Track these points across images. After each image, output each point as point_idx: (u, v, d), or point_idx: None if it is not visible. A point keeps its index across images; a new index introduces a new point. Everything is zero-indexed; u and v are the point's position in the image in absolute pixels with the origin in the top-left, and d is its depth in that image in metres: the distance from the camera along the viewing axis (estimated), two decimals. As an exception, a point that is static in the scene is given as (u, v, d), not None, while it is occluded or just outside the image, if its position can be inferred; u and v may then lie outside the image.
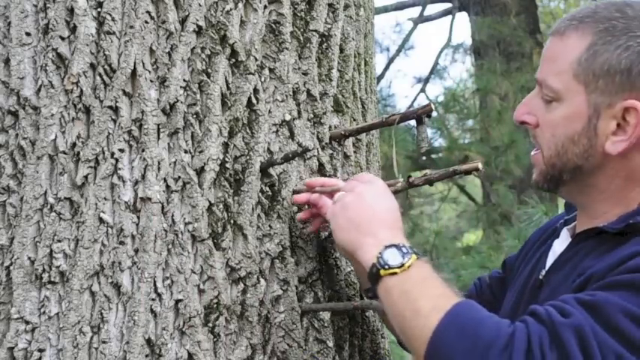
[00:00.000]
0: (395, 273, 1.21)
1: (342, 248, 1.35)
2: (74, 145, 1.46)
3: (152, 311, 1.40)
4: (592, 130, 1.26)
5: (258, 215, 1.51)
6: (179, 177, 1.46)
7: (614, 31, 1.24)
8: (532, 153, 1.37)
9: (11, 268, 1.45)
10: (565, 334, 1.08)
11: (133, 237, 1.43)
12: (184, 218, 1.45)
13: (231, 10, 1.53)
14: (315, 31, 1.65)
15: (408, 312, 1.18)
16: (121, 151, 1.45)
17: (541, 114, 1.32)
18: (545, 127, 1.31)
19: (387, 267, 1.22)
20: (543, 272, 1.38)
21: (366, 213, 1.31)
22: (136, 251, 1.42)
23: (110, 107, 1.46)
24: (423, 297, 1.18)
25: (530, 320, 1.12)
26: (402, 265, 1.21)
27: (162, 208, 1.44)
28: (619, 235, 1.24)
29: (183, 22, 1.50)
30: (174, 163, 1.47)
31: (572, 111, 1.27)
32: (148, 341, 1.39)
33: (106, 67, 1.47)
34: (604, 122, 1.26)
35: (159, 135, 1.47)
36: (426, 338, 1.13)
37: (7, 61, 1.53)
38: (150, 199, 1.43)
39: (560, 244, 1.40)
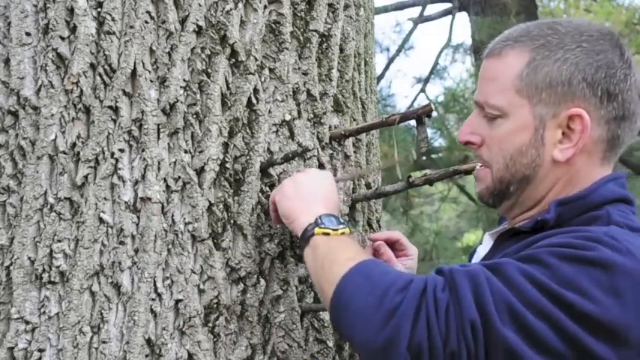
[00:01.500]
0: (327, 233, 1.33)
1: (283, 214, 1.43)
2: (74, 145, 1.46)
3: (152, 311, 1.40)
4: (539, 141, 1.31)
5: (258, 215, 1.51)
6: (179, 177, 1.46)
7: (550, 46, 1.31)
8: (477, 168, 1.41)
9: (11, 268, 1.45)
10: (459, 278, 1.16)
11: (133, 237, 1.43)
12: (184, 218, 1.45)
13: (231, 10, 1.53)
14: (315, 31, 1.65)
15: (327, 262, 1.29)
16: (121, 151, 1.45)
17: (485, 132, 1.35)
18: (492, 143, 1.35)
19: (322, 226, 1.34)
20: None
21: (314, 190, 1.43)
22: (136, 251, 1.42)
23: (110, 107, 1.46)
24: (344, 251, 1.30)
25: (432, 273, 1.21)
26: (337, 229, 1.34)
27: (162, 208, 1.44)
28: (532, 232, 1.31)
29: (183, 22, 1.50)
30: (174, 163, 1.47)
31: (519, 124, 1.32)
32: (148, 341, 1.39)
33: (106, 67, 1.47)
34: (550, 132, 1.31)
35: (159, 135, 1.47)
36: (335, 281, 1.23)
37: (7, 61, 1.53)
38: (150, 199, 1.43)
39: (484, 249, 1.46)
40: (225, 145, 1.50)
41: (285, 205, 1.42)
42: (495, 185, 1.36)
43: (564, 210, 1.30)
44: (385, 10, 8.53)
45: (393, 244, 1.67)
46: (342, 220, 1.37)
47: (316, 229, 1.33)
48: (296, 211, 1.39)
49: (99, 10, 1.49)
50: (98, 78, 1.47)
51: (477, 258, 1.46)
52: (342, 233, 1.34)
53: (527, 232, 1.31)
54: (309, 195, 1.41)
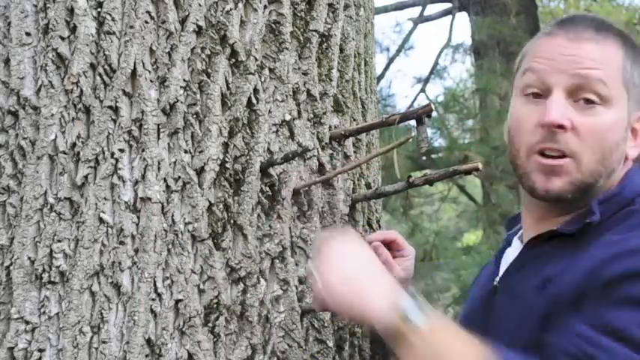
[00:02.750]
0: (418, 327, 1.17)
1: (342, 303, 1.23)
2: (74, 145, 1.46)
3: (152, 311, 1.40)
4: (626, 136, 1.33)
5: (258, 215, 1.51)
6: (179, 177, 1.46)
7: (634, 49, 1.34)
8: (552, 162, 1.29)
9: (11, 268, 1.45)
10: None
11: (133, 237, 1.43)
12: (184, 218, 1.45)
13: (231, 10, 1.53)
14: (315, 31, 1.65)
15: None
16: (121, 151, 1.45)
17: (576, 118, 1.28)
18: (588, 131, 1.27)
19: (409, 322, 1.17)
20: (497, 279, 1.41)
21: (362, 264, 1.26)
22: (136, 251, 1.42)
23: (110, 107, 1.46)
24: (452, 348, 1.18)
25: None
26: (423, 317, 1.18)
27: (162, 208, 1.44)
28: (575, 235, 1.28)
29: (183, 22, 1.50)
30: (174, 163, 1.46)
31: (620, 116, 1.31)
32: (148, 341, 1.39)
33: (106, 67, 1.47)
34: (629, 129, 1.33)
35: (159, 135, 1.47)
36: None
37: (7, 61, 1.53)
38: (150, 199, 1.43)
39: (513, 252, 1.43)
40: (225, 145, 1.50)
41: (340, 292, 1.22)
42: (585, 179, 1.28)
43: (604, 209, 1.28)
44: (385, 10, 8.53)
45: (389, 245, 1.61)
46: (417, 296, 1.20)
47: (403, 326, 1.16)
48: (360, 300, 1.20)
49: (99, 10, 1.49)
50: (98, 78, 1.47)
51: (506, 261, 1.42)
52: (430, 326, 1.17)
53: (568, 236, 1.28)
54: (362, 273, 1.23)
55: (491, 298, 1.40)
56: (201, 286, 1.44)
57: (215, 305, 1.44)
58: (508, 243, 1.50)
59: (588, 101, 1.28)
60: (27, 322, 1.42)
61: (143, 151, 1.45)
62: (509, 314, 1.32)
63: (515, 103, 1.39)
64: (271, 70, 1.58)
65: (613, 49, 1.31)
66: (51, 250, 1.43)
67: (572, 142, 1.28)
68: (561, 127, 1.28)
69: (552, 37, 1.34)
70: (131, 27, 1.47)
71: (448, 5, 8.94)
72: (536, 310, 1.25)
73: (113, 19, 1.48)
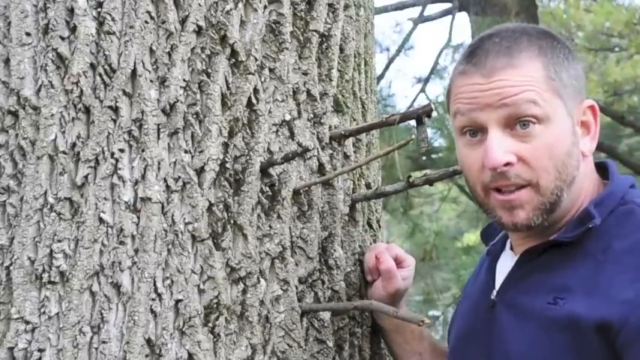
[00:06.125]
0: None
1: None
2: (74, 145, 1.46)
3: (152, 311, 1.40)
4: (576, 137, 1.29)
5: (258, 215, 1.51)
6: (179, 177, 1.46)
7: (553, 47, 1.29)
8: (510, 197, 1.27)
9: (11, 268, 1.45)
10: None
11: (133, 237, 1.43)
12: (184, 218, 1.45)
13: (231, 10, 1.53)
14: (315, 31, 1.65)
15: None
16: (121, 151, 1.45)
17: (518, 148, 1.25)
18: (536, 157, 1.25)
19: None
20: (494, 292, 1.38)
21: None
22: (136, 251, 1.42)
23: (110, 107, 1.46)
24: None
25: None
26: None
27: (163, 208, 1.44)
28: (573, 242, 1.27)
29: (183, 22, 1.50)
30: (174, 163, 1.47)
31: (562, 125, 1.27)
32: (148, 341, 1.39)
33: (106, 67, 1.47)
34: (577, 127, 1.30)
35: (159, 135, 1.47)
36: None
37: (7, 61, 1.53)
38: (150, 199, 1.43)
39: (507, 263, 1.40)
40: (225, 145, 1.50)
41: None
42: (548, 199, 1.26)
43: (600, 211, 1.26)
44: (385, 10, 8.54)
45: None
46: None
47: None
48: None
49: (99, 10, 1.49)
50: (98, 78, 1.47)
51: (502, 274, 1.39)
52: None
53: (567, 244, 1.27)
54: None
55: (491, 313, 1.36)
56: (201, 286, 1.44)
57: (215, 305, 1.44)
58: (495, 255, 1.46)
59: (524, 124, 1.24)
60: (27, 322, 1.42)
61: (143, 151, 1.45)
62: (518, 332, 1.28)
63: (458, 143, 1.36)
64: (271, 70, 1.58)
65: (531, 64, 1.25)
66: (51, 250, 1.43)
67: (524, 172, 1.25)
68: (507, 164, 1.25)
69: (467, 76, 1.28)
70: (131, 27, 1.47)
71: (448, 5, 8.94)
72: (553, 328, 1.22)
73: (113, 19, 1.48)
